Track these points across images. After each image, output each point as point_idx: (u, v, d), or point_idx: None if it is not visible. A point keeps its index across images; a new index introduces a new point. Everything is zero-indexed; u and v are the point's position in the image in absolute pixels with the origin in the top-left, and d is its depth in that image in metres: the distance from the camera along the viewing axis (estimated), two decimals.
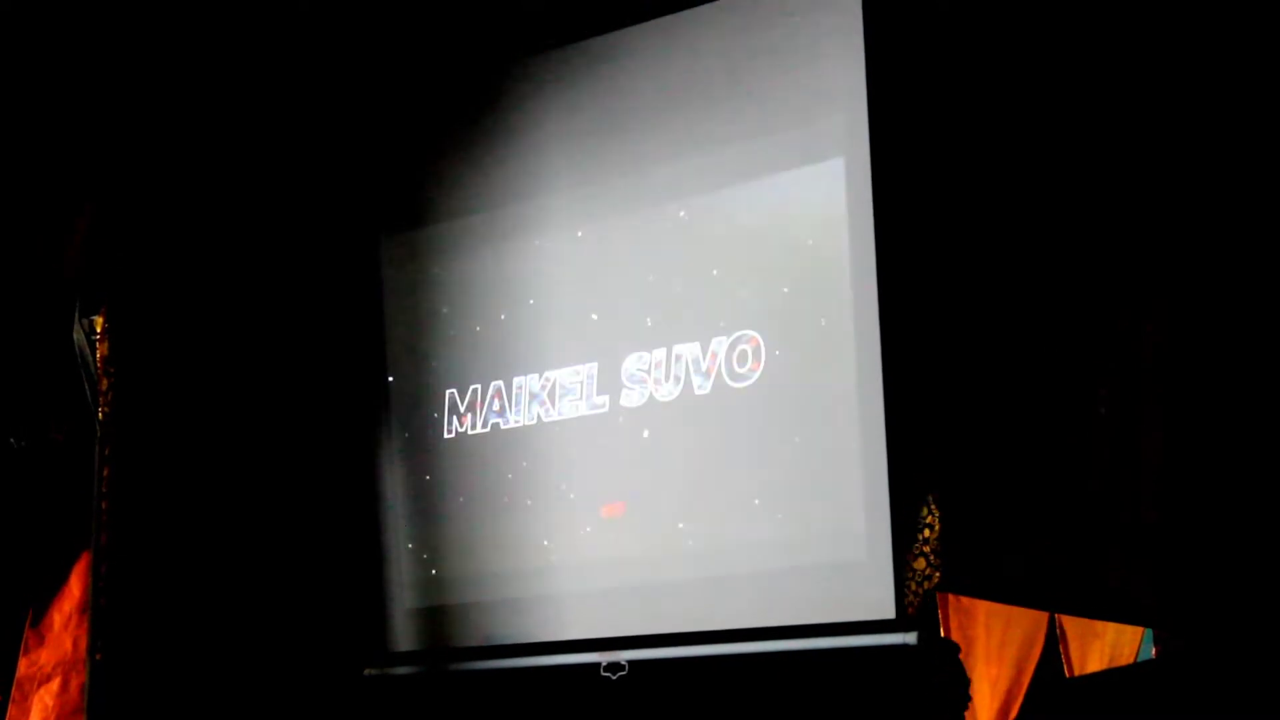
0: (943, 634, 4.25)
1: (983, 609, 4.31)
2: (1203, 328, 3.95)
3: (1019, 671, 4.32)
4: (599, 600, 4.84)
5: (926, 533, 4.23)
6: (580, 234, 5.07)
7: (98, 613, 4.72)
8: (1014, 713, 4.29)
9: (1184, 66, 3.97)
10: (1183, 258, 3.98)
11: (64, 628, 4.83)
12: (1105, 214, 4.09)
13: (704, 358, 4.73)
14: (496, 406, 5.14)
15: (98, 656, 4.69)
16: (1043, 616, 4.30)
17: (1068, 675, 4.30)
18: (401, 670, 5.26)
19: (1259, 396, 3.84)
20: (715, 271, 4.75)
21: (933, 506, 4.21)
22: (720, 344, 4.71)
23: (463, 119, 5.38)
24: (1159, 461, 4.02)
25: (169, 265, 5.13)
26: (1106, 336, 4.09)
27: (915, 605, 4.20)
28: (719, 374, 4.70)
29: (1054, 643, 4.32)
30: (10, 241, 5.05)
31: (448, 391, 5.26)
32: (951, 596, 4.28)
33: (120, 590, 4.76)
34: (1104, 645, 4.37)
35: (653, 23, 4.95)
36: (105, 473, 4.77)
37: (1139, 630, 4.33)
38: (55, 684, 4.79)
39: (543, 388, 5.04)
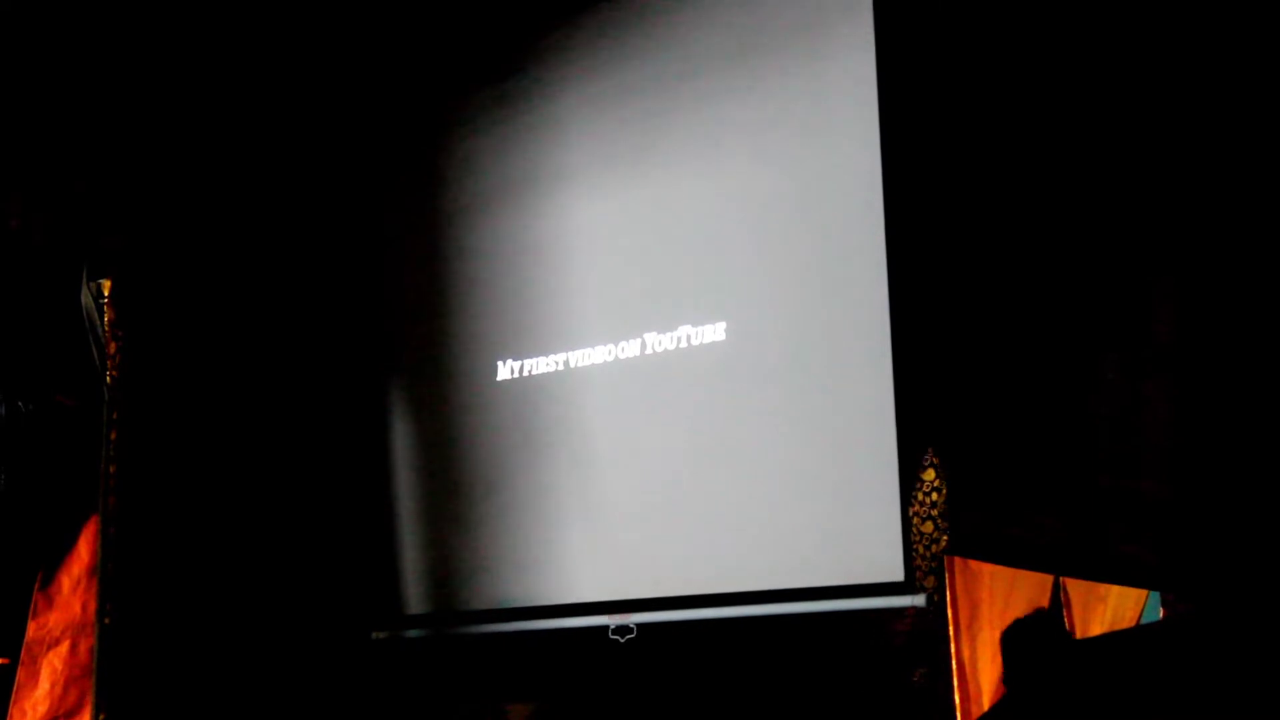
0: (949, 597, 4.29)
1: (988, 572, 4.32)
2: (1215, 294, 3.96)
3: None
4: (608, 563, 4.85)
5: (935, 496, 4.26)
6: (601, 203, 5.06)
7: (106, 576, 4.73)
8: None
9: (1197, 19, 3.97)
10: (1197, 225, 3.99)
11: (73, 591, 4.84)
12: (1121, 180, 4.10)
13: (715, 326, 4.76)
14: (511, 369, 5.16)
15: (106, 620, 4.71)
16: (1047, 580, 4.31)
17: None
18: (410, 633, 5.27)
19: (1268, 361, 3.87)
20: (733, 243, 4.76)
21: (939, 470, 4.23)
22: (732, 313, 4.74)
23: (485, 85, 5.37)
24: (1166, 425, 4.04)
25: (176, 227, 5.13)
26: (1117, 303, 4.11)
27: (924, 569, 4.24)
28: (732, 338, 4.72)
29: (1058, 607, 4.36)
30: (14, 204, 5.04)
31: (462, 355, 5.27)
32: (958, 559, 4.31)
33: (128, 554, 4.77)
34: (1106, 609, 4.40)
35: None
36: (113, 436, 4.77)
37: (1142, 594, 4.36)
38: (64, 647, 4.80)
39: (559, 359, 5.07)
